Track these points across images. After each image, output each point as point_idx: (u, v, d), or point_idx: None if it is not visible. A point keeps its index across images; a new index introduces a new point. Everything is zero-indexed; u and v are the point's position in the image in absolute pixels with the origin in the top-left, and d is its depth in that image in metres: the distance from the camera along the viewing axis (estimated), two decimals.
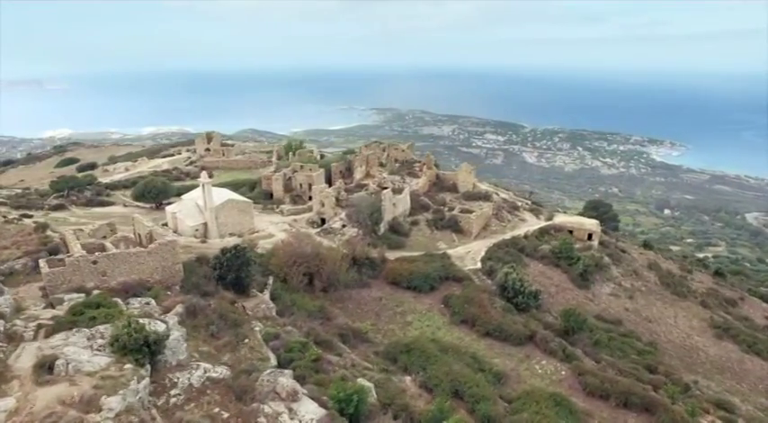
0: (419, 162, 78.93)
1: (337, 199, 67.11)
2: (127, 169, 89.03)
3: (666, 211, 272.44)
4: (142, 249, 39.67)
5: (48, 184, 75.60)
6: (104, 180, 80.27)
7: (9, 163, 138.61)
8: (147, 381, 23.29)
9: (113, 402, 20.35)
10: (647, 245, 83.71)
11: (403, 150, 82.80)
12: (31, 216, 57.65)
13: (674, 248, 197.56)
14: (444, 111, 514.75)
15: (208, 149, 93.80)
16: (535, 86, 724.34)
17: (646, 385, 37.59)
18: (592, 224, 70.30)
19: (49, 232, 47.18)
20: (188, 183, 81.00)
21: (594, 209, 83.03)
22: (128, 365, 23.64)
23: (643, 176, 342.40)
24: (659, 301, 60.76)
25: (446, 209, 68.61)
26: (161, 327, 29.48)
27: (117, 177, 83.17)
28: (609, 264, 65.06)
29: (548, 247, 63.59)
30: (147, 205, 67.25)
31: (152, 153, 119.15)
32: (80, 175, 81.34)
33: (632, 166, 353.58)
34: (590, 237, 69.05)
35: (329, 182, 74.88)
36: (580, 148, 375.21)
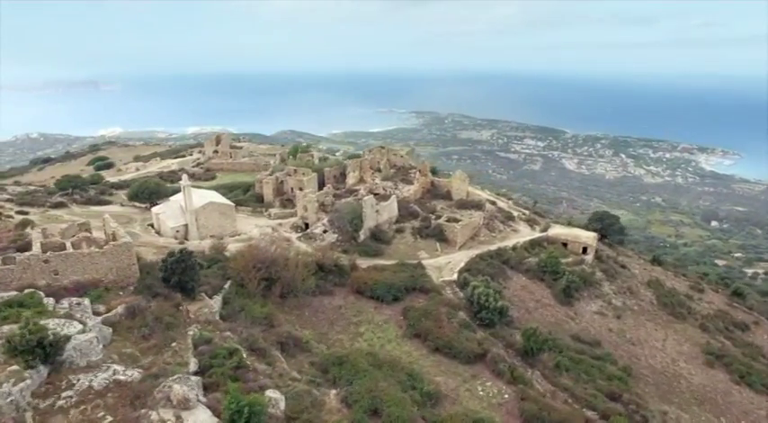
0: (415, 168, 77.78)
1: (323, 204, 67.11)
2: (137, 169, 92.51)
3: (714, 223, 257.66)
4: (96, 250, 40.79)
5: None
6: (112, 179, 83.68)
7: (48, 161, 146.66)
8: (27, 382, 23.76)
9: None
10: (655, 260, 79.00)
11: (402, 156, 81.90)
12: (27, 213, 60.73)
13: (720, 263, 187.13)
14: (484, 115, 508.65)
15: (216, 151, 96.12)
16: (579, 91, 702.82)
17: (593, 414, 35.27)
18: (588, 237, 67.05)
19: (28, 230, 49.27)
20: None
21: (600, 220, 78.85)
22: (13, 367, 24.27)
23: (690, 186, 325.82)
24: (651, 321, 57.17)
25: (433, 217, 67.22)
26: (75, 328, 30.22)
27: (126, 177, 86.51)
28: (601, 280, 61.87)
29: (534, 260, 61.14)
30: (142, 205, 69.39)
31: (172, 153, 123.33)
32: (86, 174, 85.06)
33: (679, 175, 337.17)
34: (585, 250, 65.89)
35: (323, 186, 74.99)
36: (623, 156, 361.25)
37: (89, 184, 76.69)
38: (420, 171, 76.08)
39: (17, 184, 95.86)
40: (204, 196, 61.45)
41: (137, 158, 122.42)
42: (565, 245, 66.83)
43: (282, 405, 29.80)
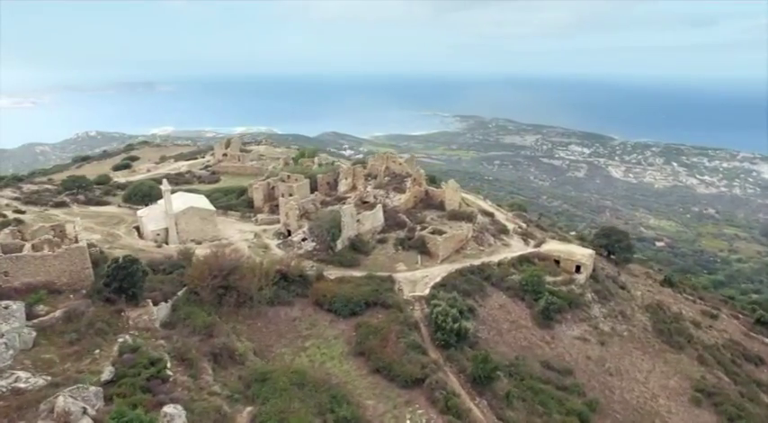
0: (410, 176, 75.76)
1: (307, 211, 66.52)
2: (149, 170, 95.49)
3: None
4: (48, 253, 41.81)
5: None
6: (120, 180, 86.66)
7: (86, 159, 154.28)
8: None
9: None
10: (667, 281, 73.28)
11: (400, 164, 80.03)
12: (24, 212, 63.63)
13: None
14: (530, 120, 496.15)
15: (225, 154, 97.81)
16: (631, 96, 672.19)
17: None
18: (583, 255, 62.79)
19: (5, 230, 51.29)
20: (194, 186, 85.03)
21: (606, 237, 73.87)
22: None
23: (749, 198, 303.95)
24: (639, 350, 52.73)
25: (419, 228, 65.12)
26: None
27: (135, 178, 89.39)
28: (590, 301, 57.76)
29: (517, 277, 57.85)
30: (137, 207, 71.16)
31: (196, 154, 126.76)
32: (95, 175, 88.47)
33: (736, 186, 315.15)
34: (578, 269, 61.79)
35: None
36: (675, 164, 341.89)
37: (94, 185, 79.61)
38: (414, 180, 74.07)
39: (50, 181, 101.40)
40: (187, 201, 62.24)
41: (162, 158, 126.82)
42: (557, 262, 62.96)
43: (180, 422, 29.08)
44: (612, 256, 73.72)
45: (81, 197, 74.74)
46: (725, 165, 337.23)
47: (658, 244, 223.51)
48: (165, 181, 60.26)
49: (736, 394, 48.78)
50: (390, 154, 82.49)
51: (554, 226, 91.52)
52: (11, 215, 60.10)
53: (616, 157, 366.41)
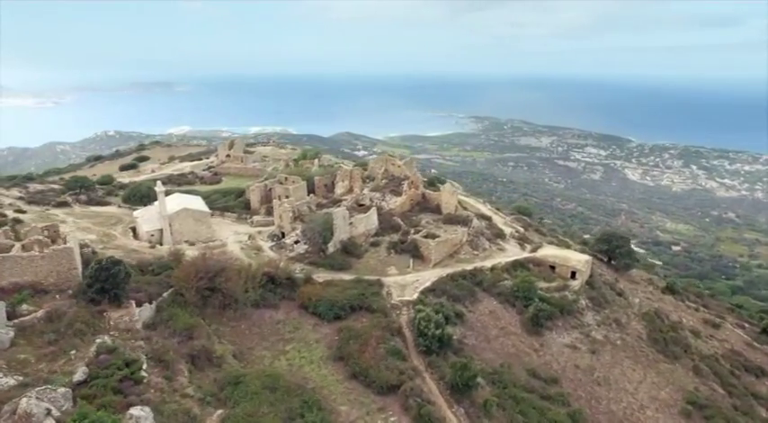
0: (407, 179, 75.39)
1: (301, 213, 66.63)
2: (153, 171, 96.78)
3: None
4: (35, 253, 42.54)
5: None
6: (124, 181, 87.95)
7: (99, 158, 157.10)
8: None
9: None
10: (669, 288, 71.62)
11: (399, 166, 79.73)
12: (24, 212, 64.94)
13: None
14: (545, 121, 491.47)
15: (228, 155, 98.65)
16: (650, 98, 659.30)
17: None
18: (579, 261, 61.67)
19: None
20: (195, 187, 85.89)
21: (606, 242, 72.46)
22: None
23: None
24: (630, 359, 51.55)
25: (413, 232, 64.76)
26: None
27: (140, 178, 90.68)
28: (583, 308, 56.68)
29: (509, 283, 57.10)
30: (137, 207, 72.08)
31: (204, 154, 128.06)
32: (99, 175, 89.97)
33: (758, 189, 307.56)
34: (574, 275, 60.75)
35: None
36: (694, 167, 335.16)
37: (97, 185, 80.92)
38: (411, 183, 73.68)
39: (62, 180, 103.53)
40: (182, 202, 62.83)
41: (170, 159, 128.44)
42: (553, 268, 61.97)
43: None
44: (613, 262, 72.32)
45: (83, 197, 76.03)
46: (746, 168, 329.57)
47: (675, 248, 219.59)
48: (158, 182, 60.99)
49: (729, 407, 47.37)
50: (389, 156, 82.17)
51: (555, 230, 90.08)
52: (11, 215, 61.30)
53: (633, 160, 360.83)
